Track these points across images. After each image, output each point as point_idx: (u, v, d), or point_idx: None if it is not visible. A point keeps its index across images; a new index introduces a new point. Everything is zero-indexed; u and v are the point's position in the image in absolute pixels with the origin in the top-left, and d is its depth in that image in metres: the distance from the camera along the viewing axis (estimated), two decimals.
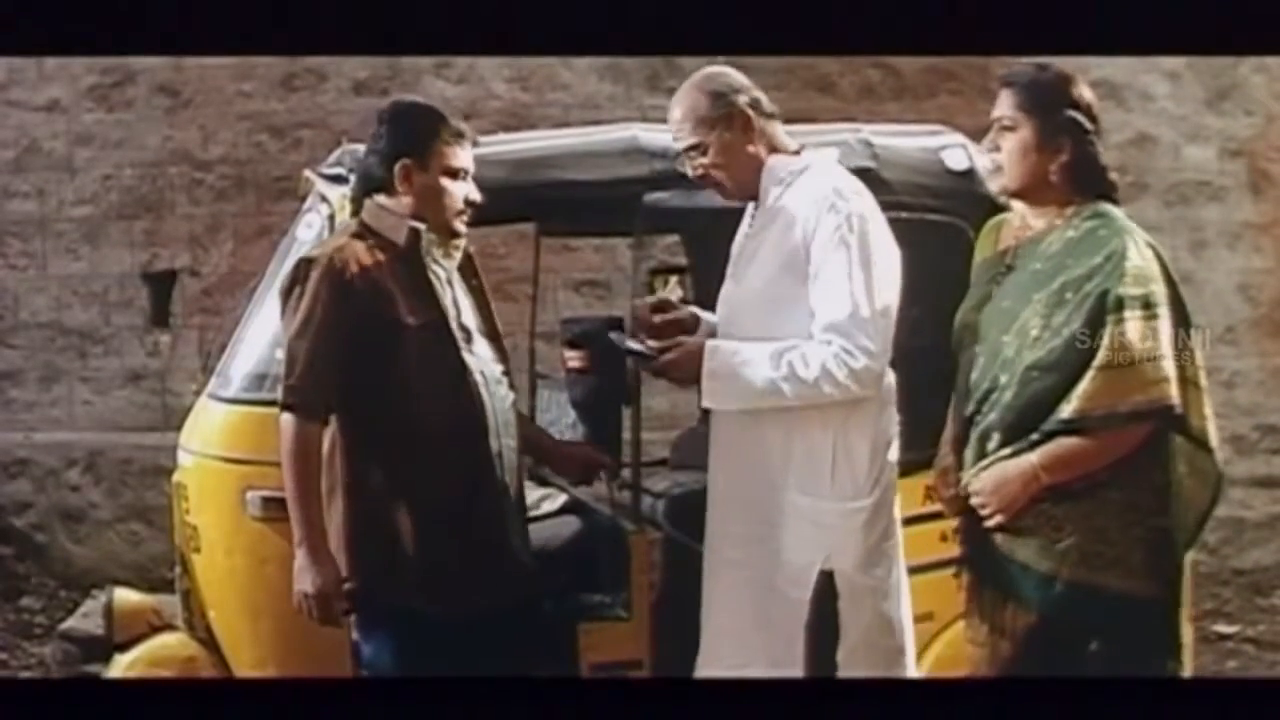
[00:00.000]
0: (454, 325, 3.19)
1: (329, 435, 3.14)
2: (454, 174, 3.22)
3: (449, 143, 3.21)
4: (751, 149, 3.20)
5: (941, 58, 6.84)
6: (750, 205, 3.31)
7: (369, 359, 3.09)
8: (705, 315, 3.37)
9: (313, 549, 3.07)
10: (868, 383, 3.07)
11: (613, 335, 3.47)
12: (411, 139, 3.21)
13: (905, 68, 7.14)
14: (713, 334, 3.28)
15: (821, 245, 3.07)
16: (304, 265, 3.14)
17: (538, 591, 3.35)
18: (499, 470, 3.20)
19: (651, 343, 3.21)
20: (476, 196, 3.26)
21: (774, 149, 3.23)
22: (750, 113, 3.19)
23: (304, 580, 3.08)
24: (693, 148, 3.23)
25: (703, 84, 3.23)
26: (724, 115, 3.18)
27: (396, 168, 3.19)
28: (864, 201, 3.15)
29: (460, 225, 3.25)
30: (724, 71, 3.23)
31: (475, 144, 3.30)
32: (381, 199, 3.22)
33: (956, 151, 3.95)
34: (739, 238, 3.33)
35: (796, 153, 3.25)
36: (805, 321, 3.09)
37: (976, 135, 4.12)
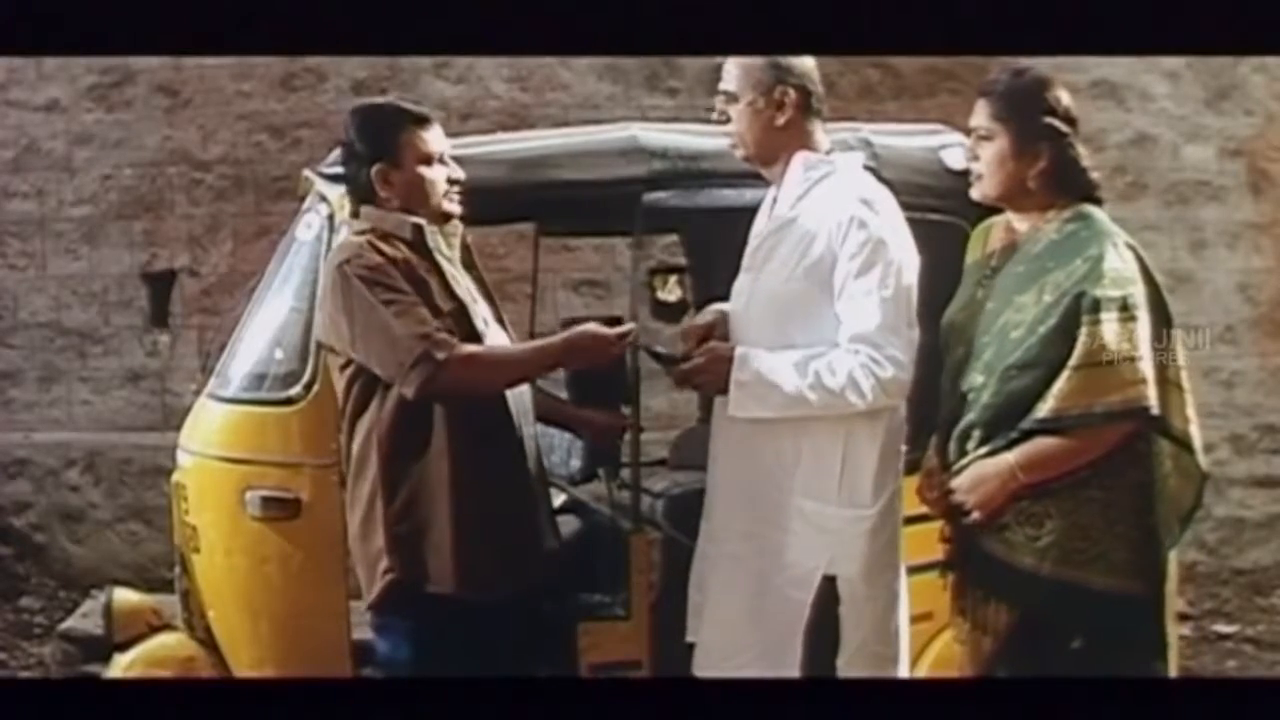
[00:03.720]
0: (475, 314, 3.20)
1: (362, 428, 3.12)
2: (429, 160, 3.21)
3: (414, 131, 3.20)
4: (778, 128, 3.18)
5: (941, 58, 6.84)
6: (770, 195, 3.30)
7: None
8: (723, 307, 3.36)
9: (561, 343, 3.12)
10: (894, 393, 3.08)
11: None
12: (377, 141, 3.19)
13: (905, 68, 7.15)
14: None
15: (849, 257, 3.06)
16: (346, 265, 3.08)
17: (564, 577, 3.35)
18: (522, 457, 3.22)
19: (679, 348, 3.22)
20: (459, 175, 3.25)
21: (806, 145, 3.22)
22: (793, 95, 3.17)
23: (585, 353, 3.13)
24: (728, 95, 3.22)
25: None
26: (767, 82, 3.17)
27: (373, 173, 3.17)
28: (891, 212, 3.15)
29: (451, 206, 3.25)
30: (803, 59, 3.21)
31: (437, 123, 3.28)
32: (374, 208, 3.22)
33: (956, 151, 3.95)
34: (757, 228, 3.32)
35: (827, 153, 3.24)
36: (822, 326, 3.09)
37: None
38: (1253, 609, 6.91)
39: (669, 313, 6.98)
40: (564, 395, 3.70)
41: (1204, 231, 7.67)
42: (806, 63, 3.21)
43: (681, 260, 5.58)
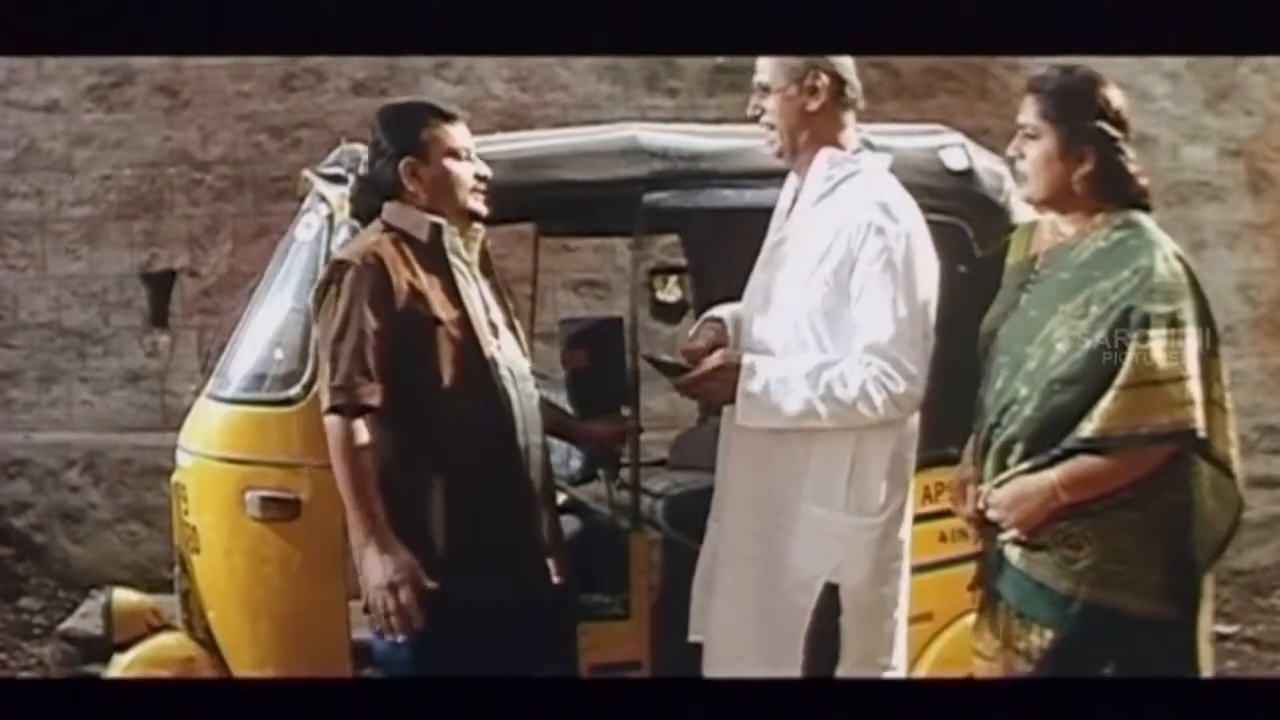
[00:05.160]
0: (482, 321, 3.20)
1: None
2: (456, 154, 3.24)
3: (441, 126, 3.24)
4: (809, 114, 3.16)
5: (941, 58, 6.84)
6: (790, 190, 3.27)
7: (405, 355, 3.10)
8: (730, 311, 3.33)
9: (382, 542, 3.02)
10: (907, 407, 3.05)
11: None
12: (406, 135, 3.23)
13: (904, 68, 7.14)
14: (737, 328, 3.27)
15: (867, 264, 3.03)
16: (338, 267, 3.15)
17: (561, 588, 3.34)
18: (525, 467, 3.20)
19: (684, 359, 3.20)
20: (486, 171, 3.28)
21: (835, 138, 3.19)
22: (825, 80, 3.14)
23: (377, 573, 3.01)
24: (762, 87, 3.20)
25: None
26: (800, 68, 3.14)
27: (401, 167, 3.20)
28: (912, 219, 3.11)
29: (478, 204, 3.27)
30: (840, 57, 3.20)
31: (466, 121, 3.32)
32: (398, 204, 3.24)
33: (955, 151, 3.95)
34: (775, 223, 3.28)
35: (855, 152, 3.21)
36: (838, 329, 3.06)
37: (975, 135, 4.13)
38: (1252, 609, 6.91)
39: (669, 313, 6.97)
40: (565, 396, 3.71)
41: (1204, 232, 7.65)
42: (844, 61, 3.19)
43: (681, 261, 5.57)
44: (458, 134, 3.26)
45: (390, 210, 3.25)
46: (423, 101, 3.43)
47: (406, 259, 3.16)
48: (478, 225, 3.31)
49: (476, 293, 3.24)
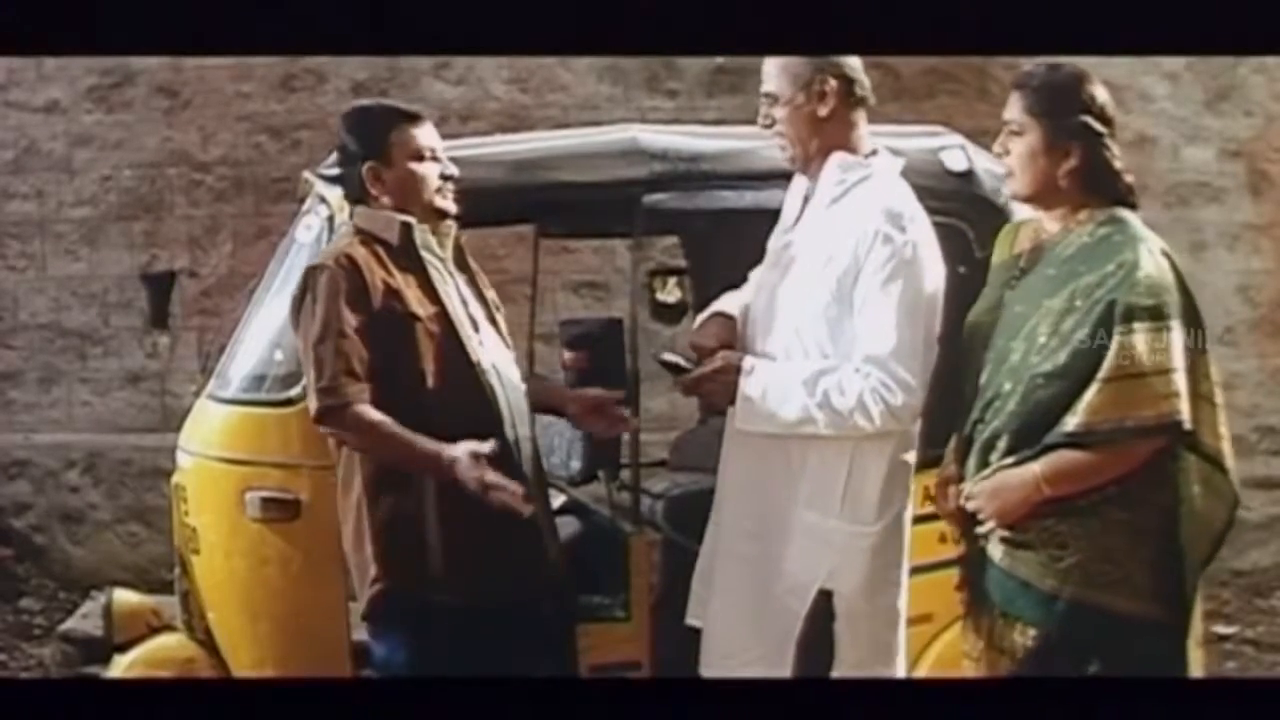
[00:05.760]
0: (461, 316, 3.20)
1: None
2: (420, 156, 3.24)
3: (404, 128, 3.24)
4: (821, 120, 3.12)
5: (940, 58, 6.84)
6: (802, 191, 3.25)
7: (387, 354, 3.10)
8: (740, 306, 3.31)
9: (450, 459, 2.98)
10: (904, 418, 3.04)
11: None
12: (367, 140, 3.24)
13: (904, 68, 7.14)
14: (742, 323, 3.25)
15: (872, 273, 3.01)
16: (312, 272, 3.16)
17: (566, 581, 3.33)
18: (516, 461, 3.19)
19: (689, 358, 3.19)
20: (452, 171, 3.28)
21: (847, 142, 3.16)
22: (834, 83, 3.11)
23: (468, 478, 2.97)
24: (769, 97, 3.17)
25: None
26: (805, 75, 3.11)
27: (364, 172, 3.22)
28: (919, 228, 3.08)
29: (445, 202, 3.27)
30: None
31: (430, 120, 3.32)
32: (366, 207, 3.25)
33: (955, 152, 3.95)
34: (785, 224, 3.27)
35: (867, 156, 3.17)
36: (840, 335, 3.05)
37: (975, 136, 4.13)
38: (1252, 610, 6.90)
39: (669, 314, 6.97)
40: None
41: (1204, 233, 7.65)
42: (849, 60, 3.15)
43: (681, 262, 5.58)
44: (422, 135, 3.25)
45: (360, 214, 3.26)
46: (385, 104, 3.44)
47: (380, 259, 3.16)
48: (449, 222, 3.31)
49: (453, 288, 3.24)
